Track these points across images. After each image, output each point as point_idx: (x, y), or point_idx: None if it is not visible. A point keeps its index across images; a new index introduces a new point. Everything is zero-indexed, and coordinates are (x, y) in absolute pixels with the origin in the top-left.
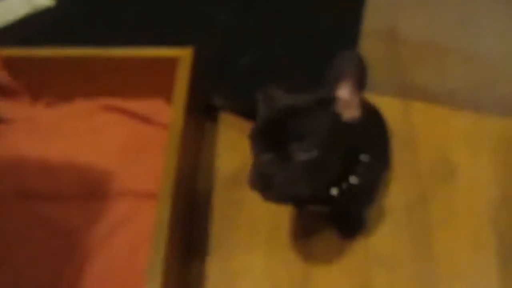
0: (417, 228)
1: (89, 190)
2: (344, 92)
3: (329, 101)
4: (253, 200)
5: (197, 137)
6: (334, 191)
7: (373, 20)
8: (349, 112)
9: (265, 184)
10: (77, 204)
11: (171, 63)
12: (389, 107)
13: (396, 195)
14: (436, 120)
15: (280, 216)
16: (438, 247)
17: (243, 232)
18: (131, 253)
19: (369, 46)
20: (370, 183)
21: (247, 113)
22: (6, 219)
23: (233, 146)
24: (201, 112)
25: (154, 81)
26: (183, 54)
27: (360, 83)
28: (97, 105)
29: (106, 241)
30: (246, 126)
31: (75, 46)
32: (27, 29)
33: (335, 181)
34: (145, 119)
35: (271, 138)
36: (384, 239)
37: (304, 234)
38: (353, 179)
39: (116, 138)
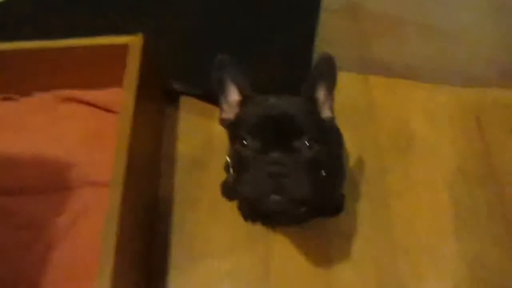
0: (376, 200)
1: (52, 182)
2: (320, 93)
3: (313, 100)
4: (214, 181)
5: (156, 122)
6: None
7: None
8: (324, 112)
9: (278, 185)
10: (40, 196)
11: (123, 51)
12: (349, 82)
13: (356, 168)
14: (395, 93)
15: None
16: (396, 217)
17: (204, 212)
18: (93, 242)
19: (329, 22)
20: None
21: (207, 96)
22: None
23: (194, 129)
24: (160, 98)
25: (110, 70)
26: (133, 41)
27: (333, 85)
28: (56, 97)
29: (69, 231)
30: (206, 109)
31: (27, 39)
32: None
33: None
34: (104, 109)
35: (272, 136)
36: (344, 212)
37: None
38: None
39: (76, 129)
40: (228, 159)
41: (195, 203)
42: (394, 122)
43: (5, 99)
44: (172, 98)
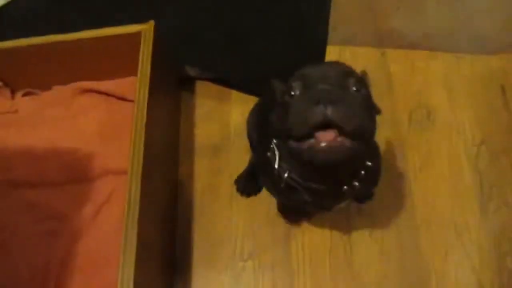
0: (396, 175)
1: (73, 174)
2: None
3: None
4: (233, 165)
5: (172, 109)
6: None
7: None
8: None
9: (330, 113)
10: (63, 188)
11: (137, 39)
12: (366, 57)
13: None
14: (413, 66)
15: None
16: (418, 193)
17: (224, 198)
18: (117, 229)
19: None
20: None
21: (222, 80)
22: None
23: (211, 115)
24: (175, 84)
25: (125, 59)
26: (145, 29)
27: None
28: (74, 90)
29: (93, 221)
30: (222, 93)
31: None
32: None
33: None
34: (121, 98)
35: (321, 79)
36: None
37: None
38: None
39: (94, 120)
40: (275, 148)
41: (215, 189)
42: (413, 95)
43: (25, 94)
44: (187, 84)
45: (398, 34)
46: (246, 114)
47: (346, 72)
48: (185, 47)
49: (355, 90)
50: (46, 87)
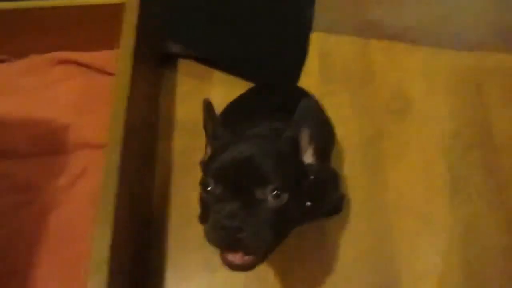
0: (371, 163)
1: (47, 145)
2: (303, 137)
3: (295, 143)
4: None
5: (153, 85)
6: None
7: None
8: (307, 158)
9: (233, 240)
10: (36, 159)
11: (118, 11)
12: (347, 46)
13: (352, 132)
14: (393, 57)
15: None
16: (391, 180)
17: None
18: (90, 203)
19: None
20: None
21: (206, 59)
22: None
23: (192, 93)
24: (157, 60)
25: (105, 31)
26: (130, 1)
27: (316, 132)
28: (50, 59)
29: (66, 194)
30: (205, 72)
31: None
32: None
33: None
34: (99, 70)
35: (234, 183)
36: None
37: None
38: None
39: (71, 91)
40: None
41: (193, 167)
42: (392, 86)
43: (0, 61)
44: (169, 61)
45: (380, 26)
46: (228, 95)
47: (263, 177)
48: (170, 23)
49: (274, 196)
50: (21, 55)
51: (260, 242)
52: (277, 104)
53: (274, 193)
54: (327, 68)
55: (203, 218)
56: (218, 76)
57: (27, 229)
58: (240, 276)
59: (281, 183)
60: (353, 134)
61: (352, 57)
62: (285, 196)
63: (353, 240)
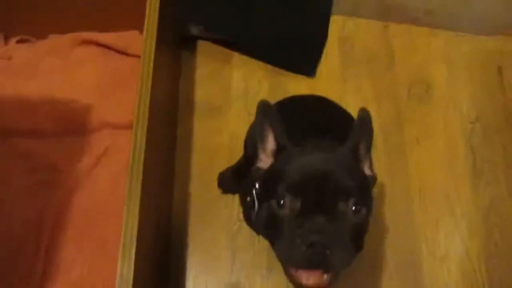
0: (394, 147)
1: (69, 125)
2: (361, 150)
3: (355, 157)
4: (232, 127)
5: (174, 68)
6: None
7: None
8: (365, 170)
9: (320, 257)
10: (58, 139)
11: None
12: (368, 30)
13: (373, 116)
14: (415, 42)
15: None
16: (413, 165)
17: (222, 158)
18: (113, 184)
19: None
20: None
21: (225, 41)
22: None
23: (211, 75)
24: (177, 43)
25: (128, 12)
26: None
27: (371, 143)
28: (71, 40)
29: (89, 174)
30: (224, 55)
31: None
32: None
33: None
34: (121, 52)
35: (316, 197)
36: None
37: None
38: None
39: (92, 72)
40: (255, 198)
41: (213, 149)
42: (413, 70)
43: (19, 41)
44: (189, 43)
45: (401, 9)
46: (247, 78)
47: (346, 190)
48: (191, 5)
49: (354, 211)
50: (42, 35)
51: (346, 259)
52: (326, 122)
53: (355, 207)
54: (347, 51)
55: (270, 234)
56: (238, 58)
57: (51, 209)
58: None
59: (360, 196)
60: (373, 119)
61: (372, 40)
62: (364, 210)
63: (375, 222)
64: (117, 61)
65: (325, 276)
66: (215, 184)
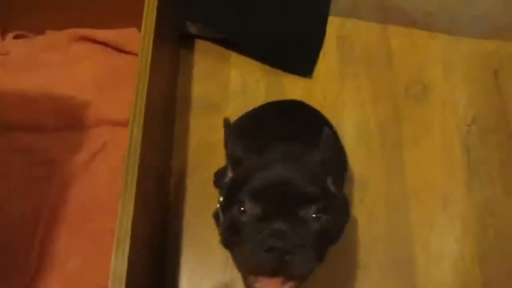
0: (389, 147)
1: (67, 120)
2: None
3: (323, 168)
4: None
5: (172, 65)
6: None
7: None
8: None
9: (281, 263)
10: (56, 134)
11: None
12: (367, 31)
13: (370, 116)
14: (413, 43)
15: None
16: (409, 164)
17: (219, 155)
18: (110, 179)
19: None
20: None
21: (223, 40)
22: None
23: (209, 73)
24: (175, 40)
25: (126, 10)
26: None
27: (334, 164)
28: (69, 36)
29: (86, 169)
30: (222, 53)
31: None
32: None
33: None
34: (118, 49)
35: (276, 203)
36: (357, 158)
37: None
38: None
39: (90, 69)
40: (220, 212)
41: (210, 146)
42: (411, 71)
43: (16, 37)
44: (186, 42)
45: (400, 10)
46: (245, 77)
47: (307, 196)
48: (190, 2)
49: (315, 218)
50: (39, 31)
51: (308, 265)
52: (294, 128)
53: (316, 213)
54: (345, 51)
55: (231, 242)
56: (235, 57)
57: (48, 204)
58: None
59: (322, 203)
60: (371, 118)
61: (370, 42)
62: (325, 217)
63: (370, 221)
64: (116, 58)
65: (286, 286)
66: (211, 180)
